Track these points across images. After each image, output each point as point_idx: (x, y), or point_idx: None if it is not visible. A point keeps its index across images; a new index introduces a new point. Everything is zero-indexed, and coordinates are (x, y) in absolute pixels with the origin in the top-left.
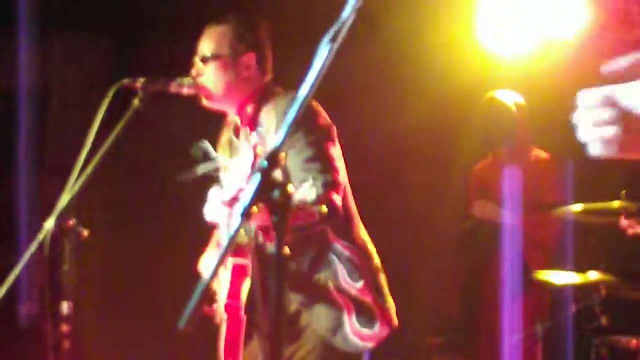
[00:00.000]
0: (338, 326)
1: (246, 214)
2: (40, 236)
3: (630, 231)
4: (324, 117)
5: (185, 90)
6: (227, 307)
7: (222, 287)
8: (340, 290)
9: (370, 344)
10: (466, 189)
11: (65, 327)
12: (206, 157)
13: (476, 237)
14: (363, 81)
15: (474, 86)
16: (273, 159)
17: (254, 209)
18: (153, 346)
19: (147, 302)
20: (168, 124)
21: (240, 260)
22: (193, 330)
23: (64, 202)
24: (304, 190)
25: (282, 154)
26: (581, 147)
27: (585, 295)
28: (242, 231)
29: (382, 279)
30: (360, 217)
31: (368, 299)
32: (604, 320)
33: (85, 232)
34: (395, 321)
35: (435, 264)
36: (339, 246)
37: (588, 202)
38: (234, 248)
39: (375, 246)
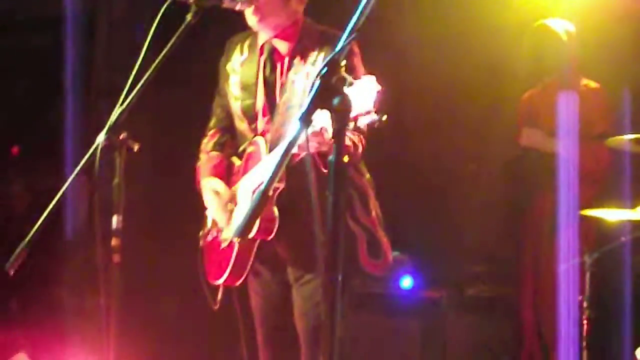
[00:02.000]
0: (352, 253)
1: (305, 120)
2: (91, 150)
3: None
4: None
5: (239, 7)
6: (260, 229)
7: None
8: (355, 220)
9: (379, 274)
10: (515, 118)
11: (115, 241)
12: None
13: (523, 166)
14: (412, 13)
15: (526, 15)
16: (333, 66)
17: (314, 115)
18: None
19: (193, 218)
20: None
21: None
22: None
23: (116, 116)
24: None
25: (343, 62)
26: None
27: (634, 228)
28: None
29: (378, 207)
30: (406, 147)
31: (376, 230)
32: None
33: (136, 147)
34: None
35: (481, 193)
36: (355, 179)
37: None
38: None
39: (421, 175)
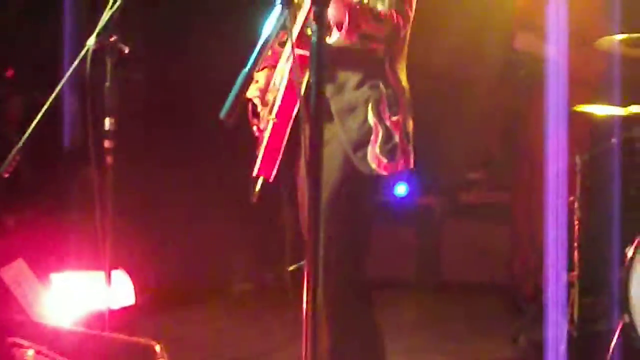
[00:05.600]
0: (362, 144)
1: (286, 2)
2: (81, 54)
3: None
4: None
5: None
6: (282, 107)
7: (279, 83)
8: (376, 114)
9: (383, 173)
10: (509, 22)
11: (108, 143)
12: None
13: (518, 71)
14: None
15: None
16: None
17: None
18: (197, 161)
19: (188, 112)
20: None
21: (301, 51)
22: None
23: (105, 19)
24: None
25: None
26: None
27: (626, 129)
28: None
29: (411, 122)
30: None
31: (397, 133)
32: None
33: (127, 49)
34: (412, 164)
35: (477, 100)
36: (389, 76)
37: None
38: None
39: (413, 81)
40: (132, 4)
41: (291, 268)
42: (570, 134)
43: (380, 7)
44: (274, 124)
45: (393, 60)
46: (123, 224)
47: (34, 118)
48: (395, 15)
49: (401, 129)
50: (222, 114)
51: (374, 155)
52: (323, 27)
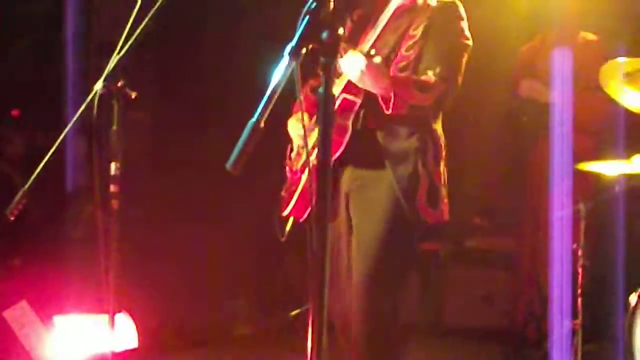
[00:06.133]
0: (412, 193)
1: (295, 54)
2: (89, 98)
3: None
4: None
5: None
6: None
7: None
8: (424, 164)
9: (428, 221)
10: (513, 70)
11: (113, 187)
12: None
13: (523, 118)
14: None
15: None
16: (322, 1)
17: (303, 49)
18: (201, 204)
19: (195, 161)
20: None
21: (350, 97)
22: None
23: (113, 64)
24: (424, 76)
25: None
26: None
27: (629, 178)
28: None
29: (446, 174)
30: None
31: (440, 183)
32: None
33: (133, 94)
34: (447, 216)
35: (481, 145)
36: (433, 130)
37: None
38: (344, 83)
39: None
40: (142, 52)
41: (293, 313)
42: (575, 180)
43: (424, 77)
44: (313, 168)
45: (436, 115)
46: (127, 267)
47: (35, 158)
48: (440, 84)
49: (441, 179)
50: (228, 165)
51: (421, 203)
52: (330, 80)
